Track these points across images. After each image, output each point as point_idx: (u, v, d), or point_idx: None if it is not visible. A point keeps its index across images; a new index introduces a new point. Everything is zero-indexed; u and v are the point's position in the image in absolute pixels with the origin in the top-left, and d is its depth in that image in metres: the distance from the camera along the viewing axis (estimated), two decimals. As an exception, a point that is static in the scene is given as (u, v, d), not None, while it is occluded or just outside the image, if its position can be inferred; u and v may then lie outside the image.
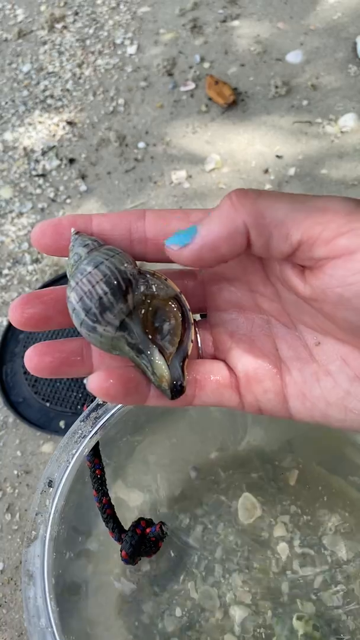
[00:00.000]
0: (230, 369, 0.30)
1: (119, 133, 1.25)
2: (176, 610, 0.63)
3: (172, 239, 0.26)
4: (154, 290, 0.27)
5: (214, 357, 0.31)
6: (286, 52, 1.28)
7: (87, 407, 0.51)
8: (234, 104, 1.21)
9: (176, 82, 1.30)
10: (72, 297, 0.26)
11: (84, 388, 0.92)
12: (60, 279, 1.06)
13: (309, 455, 0.66)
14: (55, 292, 0.29)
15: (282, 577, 0.62)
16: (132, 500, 0.66)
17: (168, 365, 0.27)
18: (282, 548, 0.63)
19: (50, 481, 0.45)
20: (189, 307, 0.29)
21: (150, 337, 0.28)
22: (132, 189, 1.16)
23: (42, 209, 1.18)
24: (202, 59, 1.32)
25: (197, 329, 0.31)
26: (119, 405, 0.50)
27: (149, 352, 0.27)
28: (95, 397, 0.51)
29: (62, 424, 0.90)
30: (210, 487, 0.67)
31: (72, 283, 0.27)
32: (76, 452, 0.46)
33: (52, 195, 1.20)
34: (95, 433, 0.47)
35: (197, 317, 0.32)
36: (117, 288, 0.26)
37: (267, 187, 1.10)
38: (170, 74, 1.32)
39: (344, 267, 0.24)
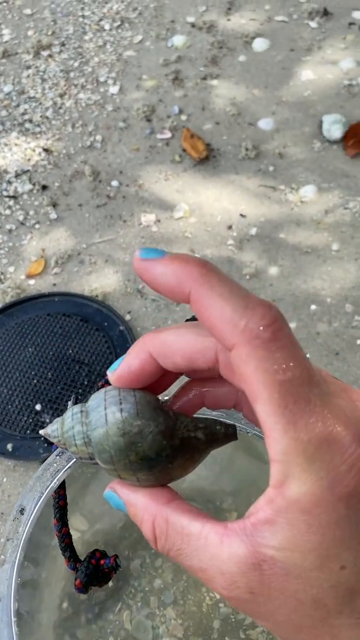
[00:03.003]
0: None
1: (93, 168, 1.30)
2: (109, 639, 0.66)
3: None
4: None
5: None
6: (258, 118, 1.38)
7: (59, 440, 0.55)
8: (206, 159, 1.29)
9: (153, 128, 1.37)
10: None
11: (35, 413, 0.94)
12: (22, 302, 1.08)
13: (248, 499, 0.71)
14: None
15: (214, 613, 0.66)
16: (76, 529, 0.69)
17: None
18: (217, 586, 0.68)
19: (23, 509, 0.48)
20: None
21: None
22: (102, 224, 1.21)
23: (10, 230, 1.21)
24: (181, 111, 1.40)
25: None
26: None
27: None
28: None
29: (9, 446, 0.92)
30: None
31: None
32: (50, 484, 0.49)
33: (21, 218, 1.23)
34: (69, 467, 0.50)
35: None
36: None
37: (230, 242, 1.18)
38: (148, 120, 1.39)
39: None
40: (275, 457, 0.22)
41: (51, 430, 0.31)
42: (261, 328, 0.22)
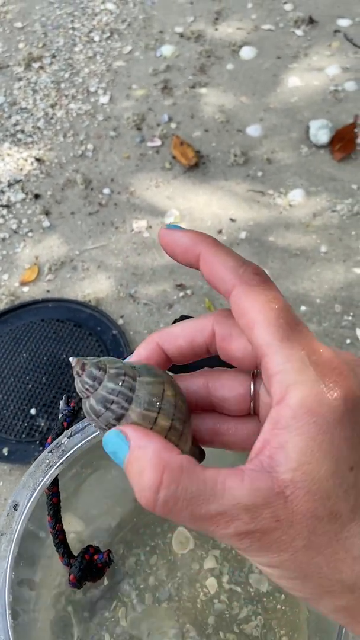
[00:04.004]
0: None
1: (85, 176, 1.32)
2: (105, 636, 0.67)
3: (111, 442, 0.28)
4: None
5: None
6: (247, 125, 1.40)
7: (51, 439, 0.56)
8: (196, 165, 1.32)
9: (144, 136, 1.39)
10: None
11: (30, 418, 0.96)
12: (16, 309, 1.09)
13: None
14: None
15: (209, 609, 0.67)
16: (72, 530, 0.71)
17: None
18: (211, 581, 0.69)
19: (16, 504, 0.50)
20: None
21: None
22: (94, 231, 1.23)
23: (3, 239, 1.22)
24: (170, 119, 1.42)
25: None
26: (83, 440, 0.55)
27: None
28: (62, 430, 0.56)
29: (5, 450, 0.93)
30: (147, 519, 0.72)
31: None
32: (42, 479, 0.50)
33: (14, 226, 1.24)
34: (61, 464, 0.51)
35: None
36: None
37: (220, 246, 1.19)
38: (139, 128, 1.41)
39: None
40: (276, 369, 0.25)
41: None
42: (255, 275, 0.27)
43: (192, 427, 0.32)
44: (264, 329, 0.25)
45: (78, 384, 0.28)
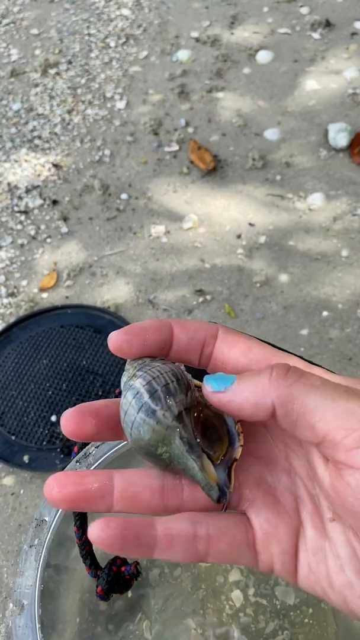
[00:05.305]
0: (248, 522, 0.29)
1: (103, 182, 1.31)
2: (130, 650, 0.65)
3: (212, 379, 0.28)
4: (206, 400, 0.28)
5: (236, 504, 0.30)
6: (264, 129, 1.39)
7: (78, 448, 0.55)
8: (214, 170, 1.31)
9: (161, 141, 1.39)
10: (138, 382, 0.28)
11: (51, 425, 0.95)
12: (35, 315, 1.09)
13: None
14: (110, 408, 0.30)
15: (235, 622, 0.66)
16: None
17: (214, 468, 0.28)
18: (237, 594, 0.68)
19: (43, 517, 0.49)
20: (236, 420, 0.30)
21: (198, 440, 0.28)
22: (112, 236, 1.22)
23: (22, 245, 1.22)
24: (187, 124, 1.42)
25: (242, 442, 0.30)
26: (109, 451, 0.54)
27: (198, 451, 0.28)
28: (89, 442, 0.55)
29: (26, 458, 0.92)
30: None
31: (138, 374, 0.28)
32: (70, 490, 0.50)
33: (32, 232, 1.24)
34: (88, 474, 0.51)
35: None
36: (182, 380, 0.28)
37: (239, 251, 1.18)
38: (156, 133, 1.41)
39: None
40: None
41: None
42: None
43: None
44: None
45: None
